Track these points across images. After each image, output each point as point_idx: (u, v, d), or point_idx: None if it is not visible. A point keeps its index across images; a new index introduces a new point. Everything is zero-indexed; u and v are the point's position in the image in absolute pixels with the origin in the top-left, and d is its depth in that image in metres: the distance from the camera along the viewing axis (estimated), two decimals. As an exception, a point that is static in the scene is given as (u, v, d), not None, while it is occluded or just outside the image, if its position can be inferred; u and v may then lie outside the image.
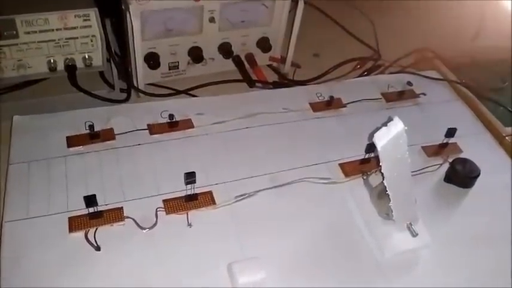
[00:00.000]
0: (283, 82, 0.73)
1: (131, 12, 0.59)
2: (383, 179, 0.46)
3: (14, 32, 0.59)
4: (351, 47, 0.83)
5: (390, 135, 0.41)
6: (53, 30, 0.60)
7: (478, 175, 0.58)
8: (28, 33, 0.59)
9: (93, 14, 0.61)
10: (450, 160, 0.60)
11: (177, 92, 0.68)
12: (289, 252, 0.50)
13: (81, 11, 0.60)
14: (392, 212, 0.49)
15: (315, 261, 0.50)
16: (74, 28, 0.61)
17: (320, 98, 0.68)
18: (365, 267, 0.50)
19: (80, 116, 0.60)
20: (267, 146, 0.61)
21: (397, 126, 0.41)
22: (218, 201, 0.53)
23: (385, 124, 0.42)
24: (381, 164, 0.43)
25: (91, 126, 0.57)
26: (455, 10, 0.84)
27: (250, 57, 0.73)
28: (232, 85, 0.71)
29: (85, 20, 0.61)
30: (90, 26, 0.62)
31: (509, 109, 0.70)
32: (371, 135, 0.42)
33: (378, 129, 0.42)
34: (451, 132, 0.61)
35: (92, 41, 0.63)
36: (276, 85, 0.72)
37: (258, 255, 0.49)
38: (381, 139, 0.41)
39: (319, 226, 0.53)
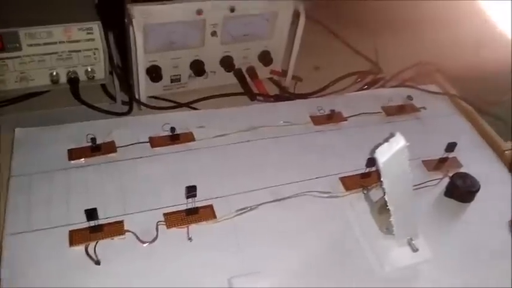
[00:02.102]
0: (284, 95, 0.73)
1: (134, 26, 0.59)
2: (384, 194, 0.46)
3: (17, 45, 0.59)
4: (352, 60, 0.83)
5: (392, 151, 0.41)
6: (56, 43, 0.61)
7: (478, 190, 0.59)
8: (31, 45, 0.60)
9: (96, 27, 0.62)
10: (450, 174, 0.61)
11: (179, 105, 0.69)
12: (290, 266, 0.50)
13: (85, 24, 0.61)
14: (392, 227, 0.49)
15: (316, 275, 0.50)
16: (77, 41, 0.62)
17: (321, 111, 0.69)
18: (365, 281, 0.50)
19: (81, 129, 0.60)
20: (268, 160, 0.61)
21: (399, 142, 0.41)
22: (219, 215, 0.53)
23: (386, 139, 0.42)
24: (382, 179, 0.44)
25: (93, 139, 0.57)
26: (456, 24, 0.84)
27: (252, 71, 0.73)
28: (233, 98, 0.71)
29: (88, 33, 0.62)
30: (93, 39, 0.62)
31: (509, 123, 0.70)
32: (373, 151, 0.42)
33: (379, 144, 0.42)
34: (451, 147, 0.61)
35: (94, 54, 0.63)
36: (277, 98, 0.72)
37: (259, 269, 0.49)
38: (383, 155, 0.41)
39: (319, 240, 0.53)
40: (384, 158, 0.41)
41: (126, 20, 0.61)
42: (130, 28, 0.60)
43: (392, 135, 0.42)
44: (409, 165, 0.44)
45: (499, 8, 0.76)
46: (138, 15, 0.60)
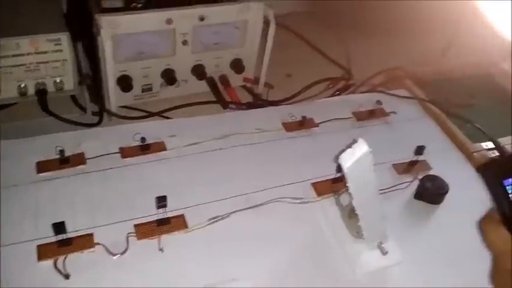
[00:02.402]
0: (257, 103, 0.74)
1: (102, 36, 0.59)
2: (351, 199, 0.47)
3: (-16, 57, 0.58)
4: (323, 67, 0.84)
5: (355, 157, 0.41)
6: (23, 54, 0.60)
7: (447, 191, 0.60)
8: (-2, 57, 0.59)
9: (64, 38, 0.61)
10: (420, 177, 0.62)
11: (150, 114, 0.68)
12: (264, 273, 0.50)
13: (53, 36, 0.60)
14: (362, 230, 0.50)
15: (289, 281, 0.50)
16: (45, 52, 0.61)
17: (293, 118, 0.69)
18: (338, 285, 0.50)
19: (50, 141, 0.59)
20: (240, 167, 0.61)
21: (362, 147, 0.41)
22: (191, 224, 0.53)
23: (349, 145, 0.43)
24: (348, 184, 0.44)
25: (61, 151, 0.57)
26: (425, 29, 0.86)
27: (224, 79, 0.73)
28: (206, 106, 0.71)
29: (56, 44, 0.61)
30: (61, 50, 0.62)
31: (477, 125, 0.72)
32: (337, 157, 0.42)
33: (343, 150, 0.42)
34: (419, 150, 0.62)
35: (63, 65, 0.63)
36: (249, 106, 0.73)
37: (232, 277, 0.49)
38: (347, 160, 0.42)
39: (292, 246, 0.53)
40: (348, 163, 0.41)
41: (94, 30, 0.60)
42: (99, 38, 0.59)
43: (355, 141, 0.42)
44: (379, 168, 0.44)
45: (497, 8, 0.76)
46: (106, 25, 0.59)
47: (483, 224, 0.52)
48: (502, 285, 0.48)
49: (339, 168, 0.57)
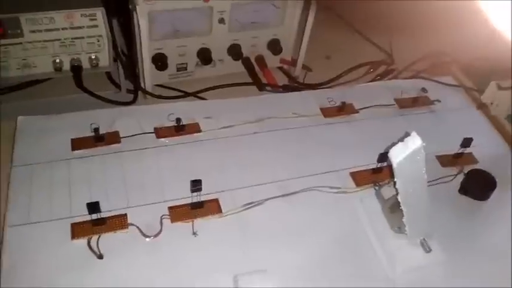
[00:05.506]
0: (294, 86, 0.71)
1: (138, 12, 0.57)
2: (396, 194, 0.44)
3: (19, 31, 0.57)
4: (364, 50, 0.80)
5: (407, 152, 0.38)
6: (58, 29, 0.59)
7: (495, 187, 0.56)
8: (33, 31, 0.58)
9: (99, 13, 0.59)
10: (465, 171, 0.58)
11: (186, 94, 0.67)
12: (297, 264, 0.49)
13: (88, 10, 0.59)
14: (405, 226, 0.47)
15: (323, 274, 0.48)
16: (80, 28, 0.60)
17: (331, 102, 0.66)
18: (375, 281, 0.49)
19: (85, 118, 0.59)
20: (276, 152, 0.59)
21: (415, 142, 0.39)
22: (225, 209, 0.52)
23: (401, 139, 0.40)
24: (395, 179, 0.41)
25: (96, 129, 0.56)
26: (472, 13, 0.81)
27: (261, 60, 0.71)
28: (241, 88, 0.69)
29: (91, 19, 0.60)
30: (96, 26, 0.60)
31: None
32: (387, 150, 0.40)
33: (393, 144, 0.40)
34: (466, 142, 0.58)
35: (98, 40, 0.61)
36: (286, 89, 0.70)
37: (265, 267, 0.47)
38: (397, 155, 0.39)
39: (328, 237, 0.52)
40: (398, 158, 0.39)
41: (130, 6, 0.59)
42: (135, 15, 0.58)
43: (407, 134, 0.39)
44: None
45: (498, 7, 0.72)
46: (143, 1, 0.57)
47: None
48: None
49: (381, 158, 0.55)
